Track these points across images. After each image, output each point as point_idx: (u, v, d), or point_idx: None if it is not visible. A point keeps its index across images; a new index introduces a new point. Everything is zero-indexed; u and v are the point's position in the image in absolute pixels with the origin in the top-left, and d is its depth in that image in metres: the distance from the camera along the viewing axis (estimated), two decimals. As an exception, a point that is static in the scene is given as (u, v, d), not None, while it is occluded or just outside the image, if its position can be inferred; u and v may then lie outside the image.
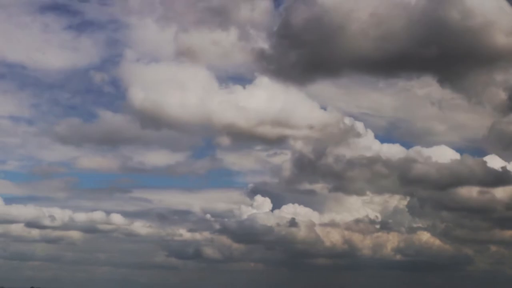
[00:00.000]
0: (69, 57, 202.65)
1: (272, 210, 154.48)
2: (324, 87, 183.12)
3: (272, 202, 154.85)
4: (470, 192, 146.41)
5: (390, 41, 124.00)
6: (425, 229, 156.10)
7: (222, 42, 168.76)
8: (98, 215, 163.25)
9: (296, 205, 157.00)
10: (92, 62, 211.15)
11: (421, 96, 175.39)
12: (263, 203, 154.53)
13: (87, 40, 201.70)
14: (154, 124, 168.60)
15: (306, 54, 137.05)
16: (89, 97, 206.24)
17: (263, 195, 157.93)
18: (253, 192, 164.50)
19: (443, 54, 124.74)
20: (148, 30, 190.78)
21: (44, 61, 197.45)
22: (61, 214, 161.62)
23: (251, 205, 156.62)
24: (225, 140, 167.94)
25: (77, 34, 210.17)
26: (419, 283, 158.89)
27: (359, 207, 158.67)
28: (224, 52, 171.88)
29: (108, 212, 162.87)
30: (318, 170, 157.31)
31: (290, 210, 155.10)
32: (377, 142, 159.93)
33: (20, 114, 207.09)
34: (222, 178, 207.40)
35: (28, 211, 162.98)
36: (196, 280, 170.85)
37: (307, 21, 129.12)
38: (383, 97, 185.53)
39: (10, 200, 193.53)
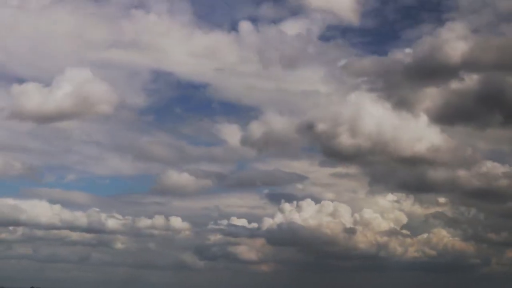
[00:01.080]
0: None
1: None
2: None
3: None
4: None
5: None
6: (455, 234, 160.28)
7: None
8: (147, 221, 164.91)
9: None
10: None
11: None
12: (290, 207, 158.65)
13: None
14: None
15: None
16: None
17: (287, 200, 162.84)
18: (276, 196, 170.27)
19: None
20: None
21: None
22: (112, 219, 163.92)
23: (279, 209, 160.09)
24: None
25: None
26: (440, 284, 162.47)
27: (389, 211, 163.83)
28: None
29: (166, 216, 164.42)
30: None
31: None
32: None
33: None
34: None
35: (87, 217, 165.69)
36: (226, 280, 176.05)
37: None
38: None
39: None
